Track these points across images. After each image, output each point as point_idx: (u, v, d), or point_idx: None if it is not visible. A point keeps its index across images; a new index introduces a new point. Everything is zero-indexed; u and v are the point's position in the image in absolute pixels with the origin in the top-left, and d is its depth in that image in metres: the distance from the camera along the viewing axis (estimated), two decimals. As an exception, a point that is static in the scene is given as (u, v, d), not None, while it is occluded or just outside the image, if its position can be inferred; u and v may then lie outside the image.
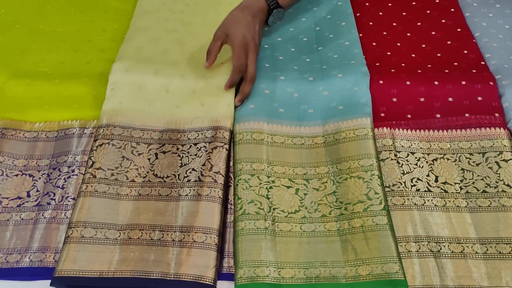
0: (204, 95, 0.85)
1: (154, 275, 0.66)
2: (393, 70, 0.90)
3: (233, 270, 0.68)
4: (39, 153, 0.82)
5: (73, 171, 0.79)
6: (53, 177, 0.78)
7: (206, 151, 0.77)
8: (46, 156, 0.82)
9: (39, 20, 1.06)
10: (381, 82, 0.87)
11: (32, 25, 1.05)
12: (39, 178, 0.79)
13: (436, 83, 0.87)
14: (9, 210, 0.75)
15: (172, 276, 0.66)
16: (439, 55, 0.94)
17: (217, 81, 0.86)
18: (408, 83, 0.87)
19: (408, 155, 0.80)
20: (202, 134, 0.80)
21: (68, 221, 0.74)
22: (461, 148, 0.80)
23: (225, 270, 0.69)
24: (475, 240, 0.70)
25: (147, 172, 0.77)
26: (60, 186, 0.77)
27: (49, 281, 0.68)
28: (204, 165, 0.75)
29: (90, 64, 0.96)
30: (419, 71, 0.90)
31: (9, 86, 0.91)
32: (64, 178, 0.78)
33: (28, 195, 0.77)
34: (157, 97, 0.86)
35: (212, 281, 0.65)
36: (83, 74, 0.94)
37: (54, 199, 0.76)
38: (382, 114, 0.85)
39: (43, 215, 0.74)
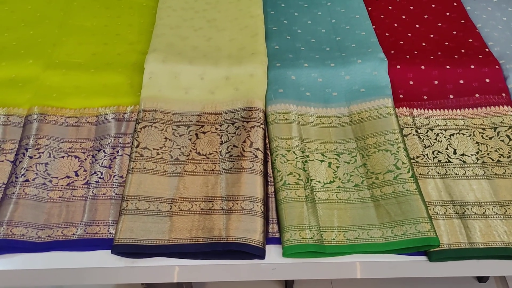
0: (237, 81, 0.91)
1: (208, 240, 0.71)
2: (408, 57, 0.98)
3: (278, 235, 0.74)
4: (82, 137, 0.87)
5: (117, 152, 0.84)
6: (99, 158, 0.83)
7: (245, 129, 0.83)
8: (89, 139, 0.86)
9: (67, 16, 1.10)
10: (398, 67, 0.95)
11: (61, 20, 1.09)
12: (85, 159, 0.83)
13: (448, 67, 0.95)
14: (60, 188, 0.79)
15: (224, 239, 0.71)
16: (447, 43, 1.03)
17: (250, 69, 0.92)
18: (422, 67, 0.95)
19: (427, 131, 0.87)
20: (238, 114, 0.86)
21: (117, 197, 0.78)
22: (474, 124, 0.88)
23: (270, 235, 0.75)
24: (495, 203, 0.77)
25: (190, 151, 0.82)
26: (107, 166, 0.82)
27: (104, 251, 0.72)
28: (244, 142, 0.81)
29: (121, 56, 1.01)
30: (431, 57, 0.98)
31: (46, 76, 0.95)
32: (110, 159, 0.82)
33: (76, 175, 0.81)
34: (193, 85, 0.91)
35: (261, 244, 0.71)
36: (116, 65, 0.99)
37: (103, 178, 0.80)
38: (401, 96, 0.92)
39: (93, 192, 0.78)
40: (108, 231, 0.74)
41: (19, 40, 1.03)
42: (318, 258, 0.72)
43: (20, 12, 1.11)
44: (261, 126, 0.84)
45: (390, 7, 1.13)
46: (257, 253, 0.70)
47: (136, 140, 0.82)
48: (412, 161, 0.82)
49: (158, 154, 0.81)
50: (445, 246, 0.72)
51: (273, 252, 0.73)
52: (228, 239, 0.71)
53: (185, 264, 0.72)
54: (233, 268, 0.72)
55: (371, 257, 0.73)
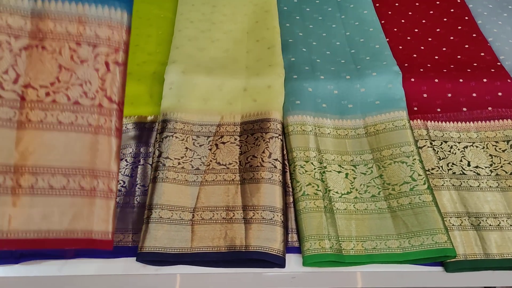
0: (255, 92, 0.93)
1: (230, 248, 0.73)
2: (421, 70, 1.00)
3: (297, 244, 0.76)
4: (104, 146, 0.89)
5: (139, 161, 0.86)
6: (121, 167, 0.85)
7: (264, 140, 0.85)
8: (111, 148, 0.88)
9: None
10: (412, 80, 0.97)
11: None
12: (107, 168, 0.85)
13: (461, 80, 0.97)
14: (84, 196, 0.81)
15: (245, 248, 0.73)
16: (459, 57, 1.05)
17: (267, 81, 0.94)
18: (436, 80, 0.97)
19: (441, 143, 0.89)
20: (256, 125, 0.88)
21: (139, 205, 0.80)
22: (487, 137, 0.90)
23: (289, 244, 0.76)
24: (509, 215, 0.79)
25: (210, 161, 0.84)
26: (129, 175, 0.84)
27: (128, 258, 0.74)
28: (263, 152, 0.83)
29: (140, 66, 1.04)
30: (444, 70, 1.00)
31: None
32: (132, 168, 0.85)
33: (100, 183, 0.83)
34: (212, 95, 0.94)
35: (281, 253, 0.72)
36: (135, 75, 1.01)
37: (125, 186, 0.82)
38: (415, 108, 0.95)
39: (116, 201, 0.80)
40: (131, 239, 0.76)
41: None
42: (336, 268, 0.74)
43: None
44: (279, 137, 0.86)
45: (403, 21, 1.15)
46: (278, 261, 0.72)
47: (158, 150, 0.84)
48: (427, 173, 0.84)
49: (179, 163, 0.83)
50: (461, 257, 0.74)
51: (292, 261, 0.75)
52: (249, 248, 0.73)
53: (204, 273, 0.74)
54: (254, 276, 0.74)
55: (387, 267, 0.74)
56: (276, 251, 0.72)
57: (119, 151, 0.58)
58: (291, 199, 0.81)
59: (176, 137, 0.87)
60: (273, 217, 0.75)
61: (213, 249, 0.74)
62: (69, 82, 0.56)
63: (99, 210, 0.56)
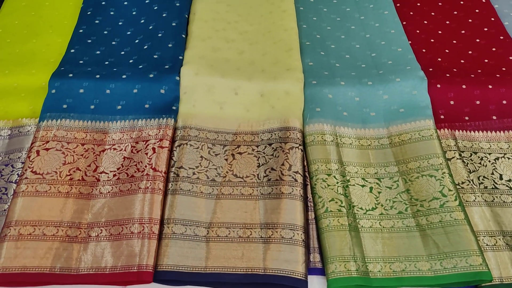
0: (273, 98, 0.88)
1: (246, 270, 0.68)
2: (448, 75, 0.94)
3: (320, 265, 0.71)
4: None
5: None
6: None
7: (283, 151, 0.80)
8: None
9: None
10: (438, 86, 0.91)
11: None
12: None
13: (490, 86, 0.91)
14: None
15: (263, 270, 0.68)
16: (486, 61, 0.99)
17: (285, 86, 0.89)
18: (464, 86, 0.91)
19: (471, 154, 0.84)
20: (275, 134, 0.83)
21: None
22: (520, 148, 0.85)
23: (311, 265, 0.71)
24: (546, 234, 0.74)
25: (227, 172, 0.79)
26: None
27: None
28: (283, 164, 0.78)
29: None
30: (472, 75, 0.94)
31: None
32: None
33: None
34: (227, 100, 0.88)
35: (303, 276, 0.67)
36: None
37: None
38: (442, 116, 0.89)
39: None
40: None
41: (48, 47, 1.01)
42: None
43: (48, 19, 1.09)
44: (299, 147, 0.81)
45: (425, 22, 1.09)
46: (299, 285, 0.67)
47: (172, 159, 0.79)
48: (457, 187, 0.78)
49: (194, 174, 0.78)
50: (497, 280, 0.69)
51: (315, 283, 0.70)
52: (267, 270, 0.68)
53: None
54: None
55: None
56: (297, 274, 0.67)
57: (161, 203, 0.74)
58: (313, 215, 0.76)
59: (191, 145, 0.81)
60: (293, 236, 0.70)
61: (229, 270, 0.69)
62: (129, 165, 0.79)
63: (143, 248, 0.69)
